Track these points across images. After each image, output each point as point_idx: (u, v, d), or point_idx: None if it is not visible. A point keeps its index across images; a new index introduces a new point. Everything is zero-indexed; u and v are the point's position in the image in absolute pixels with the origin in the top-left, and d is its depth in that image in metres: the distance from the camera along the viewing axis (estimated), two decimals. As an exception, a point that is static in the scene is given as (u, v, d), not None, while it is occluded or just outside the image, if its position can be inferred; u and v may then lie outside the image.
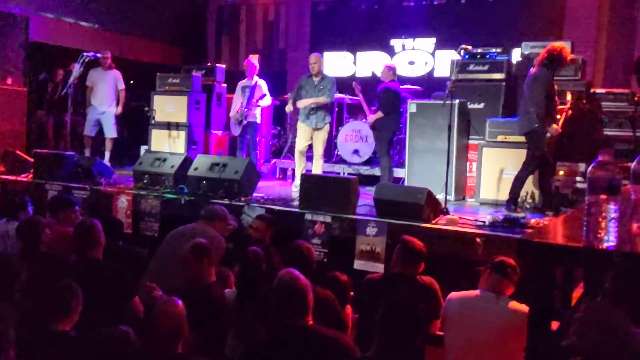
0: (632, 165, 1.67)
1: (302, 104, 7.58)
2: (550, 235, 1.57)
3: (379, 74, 8.22)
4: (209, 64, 10.29)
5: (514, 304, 3.31)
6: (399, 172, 8.13)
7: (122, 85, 9.05)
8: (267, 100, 8.70)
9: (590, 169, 1.52)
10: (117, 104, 9.02)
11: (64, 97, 8.32)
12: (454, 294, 3.55)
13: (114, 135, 9.09)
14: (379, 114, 7.65)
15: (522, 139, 6.78)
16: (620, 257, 1.37)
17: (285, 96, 11.18)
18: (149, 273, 4.42)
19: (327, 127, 7.69)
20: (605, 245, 1.44)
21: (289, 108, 7.88)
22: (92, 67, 8.85)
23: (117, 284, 3.77)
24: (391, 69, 8.08)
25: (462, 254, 4.79)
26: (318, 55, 7.74)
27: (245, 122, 8.54)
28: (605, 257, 1.42)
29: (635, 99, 7.73)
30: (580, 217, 1.80)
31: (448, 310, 3.55)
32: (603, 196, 1.48)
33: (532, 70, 6.06)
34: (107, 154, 9.00)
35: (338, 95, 9.81)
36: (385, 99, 7.69)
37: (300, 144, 7.71)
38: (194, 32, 13.12)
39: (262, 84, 8.68)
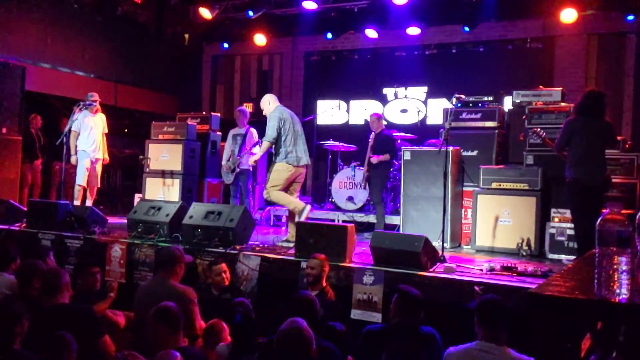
0: (638, 216, 1.68)
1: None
2: (560, 288, 1.56)
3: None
4: (203, 112, 10.38)
5: (514, 354, 3.25)
6: (394, 220, 8.14)
7: (107, 130, 8.86)
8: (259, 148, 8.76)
9: (599, 220, 1.52)
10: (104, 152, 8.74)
11: (58, 145, 8.30)
12: (452, 349, 3.49)
13: (98, 185, 8.81)
14: (386, 156, 7.78)
15: (516, 186, 6.84)
16: (633, 310, 1.36)
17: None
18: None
19: (275, 165, 6.83)
20: (617, 298, 1.43)
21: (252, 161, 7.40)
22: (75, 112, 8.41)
23: (83, 324, 3.66)
24: (380, 118, 8.25)
25: (460, 303, 4.74)
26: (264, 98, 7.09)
27: (238, 169, 8.58)
28: (619, 310, 1.41)
29: (627, 146, 7.82)
30: (586, 268, 1.79)
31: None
32: (613, 248, 1.47)
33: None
34: (89, 203, 8.58)
35: (332, 142, 9.93)
36: (389, 144, 7.82)
37: None
38: (189, 80, 13.28)
39: (254, 132, 8.77)
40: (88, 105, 8.44)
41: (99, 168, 8.67)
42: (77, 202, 8.25)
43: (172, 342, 3.53)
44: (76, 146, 8.42)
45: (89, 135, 8.48)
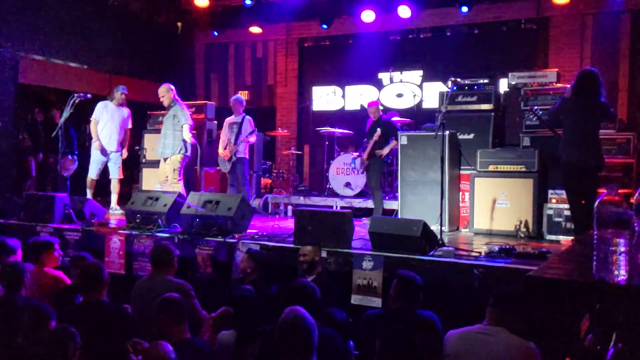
0: (636, 197, 1.68)
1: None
2: (559, 270, 1.56)
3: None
4: (198, 101, 10.34)
5: (515, 339, 3.25)
6: (391, 205, 8.15)
7: (130, 125, 8.70)
8: (254, 137, 8.77)
9: (597, 203, 1.52)
10: (123, 146, 8.56)
11: (53, 138, 8.26)
12: (452, 331, 3.50)
13: (121, 176, 8.62)
14: (394, 143, 7.79)
15: (513, 168, 6.85)
16: (632, 291, 1.37)
17: (275, 132, 11.28)
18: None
19: (177, 156, 7.68)
20: (616, 279, 1.44)
21: None
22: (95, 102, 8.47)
23: (118, 324, 3.67)
24: (377, 106, 8.23)
25: (460, 286, 4.76)
26: (167, 87, 7.78)
27: (235, 158, 8.57)
28: (618, 291, 1.41)
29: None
30: (584, 249, 1.80)
31: (447, 348, 3.49)
32: (611, 230, 1.48)
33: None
34: (115, 197, 8.51)
35: (328, 128, 9.90)
36: (391, 130, 7.88)
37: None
38: (183, 69, 13.20)
39: (250, 120, 8.75)
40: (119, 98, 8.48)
41: (116, 160, 8.47)
42: (89, 194, 8.22)
43: (177, 332, 3.55)
44: (98, 135, 8.35)
45: (104, 128, 8.35)
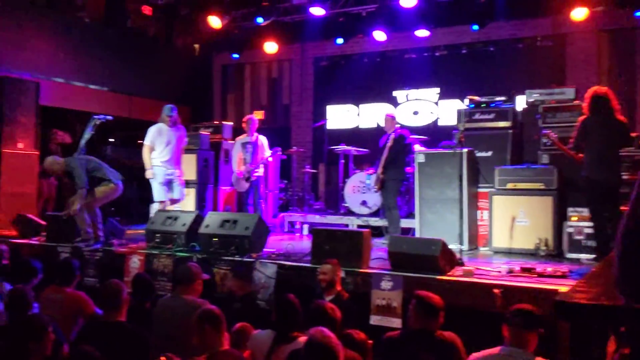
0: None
1: None
2: (586, 294, 1.55)
3: (382, 125, 8.30)
4: (215, 122, 10.43)
5: None
6: (409, 223, 8.11)
7: (186, 144, 8.38)
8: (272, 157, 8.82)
9: (621, 225, 1.51)
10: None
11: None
12: (475, 354, 3.46)
13: (183, 197, 8.25)
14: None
15: (532, 186, 6.81)
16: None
17: (291, 150, 11.34)
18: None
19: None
20: (643, 303, 1.43)
21: None
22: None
23: (135, 348, 3.70)
24: (393, 118, 8.18)
25: (480, 306, 4.72)
26: (52, 159, 7.28)
27: (253, 178, 8.61)
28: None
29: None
30: (610, 271, 1.78)
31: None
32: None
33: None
34: None
35: (343, 147, 9.92)
36: (400, 141, 7.88)
37: None
38: (200, 90, 13.34)
39: (264, 140, 8.79)
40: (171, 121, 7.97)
41: (179, 180, 8.06)
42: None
43: (218, 342, 3.57)
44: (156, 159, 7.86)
45: (163, 150, 7.87)
